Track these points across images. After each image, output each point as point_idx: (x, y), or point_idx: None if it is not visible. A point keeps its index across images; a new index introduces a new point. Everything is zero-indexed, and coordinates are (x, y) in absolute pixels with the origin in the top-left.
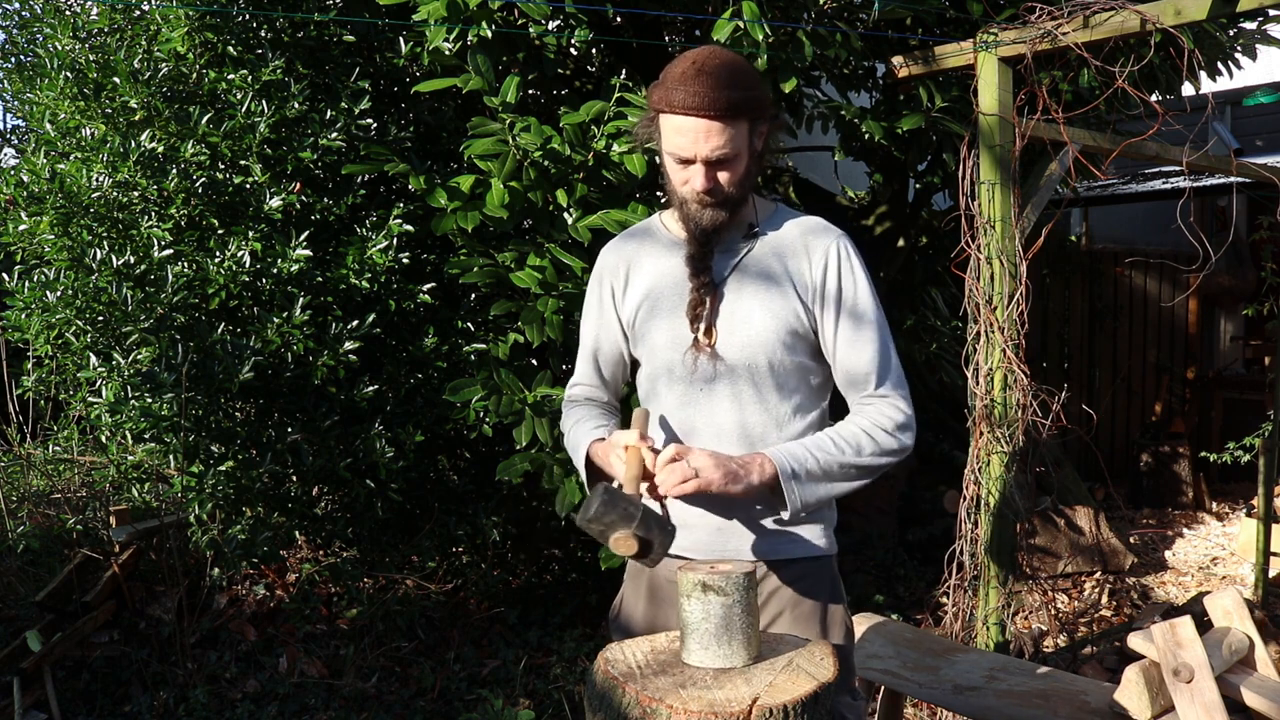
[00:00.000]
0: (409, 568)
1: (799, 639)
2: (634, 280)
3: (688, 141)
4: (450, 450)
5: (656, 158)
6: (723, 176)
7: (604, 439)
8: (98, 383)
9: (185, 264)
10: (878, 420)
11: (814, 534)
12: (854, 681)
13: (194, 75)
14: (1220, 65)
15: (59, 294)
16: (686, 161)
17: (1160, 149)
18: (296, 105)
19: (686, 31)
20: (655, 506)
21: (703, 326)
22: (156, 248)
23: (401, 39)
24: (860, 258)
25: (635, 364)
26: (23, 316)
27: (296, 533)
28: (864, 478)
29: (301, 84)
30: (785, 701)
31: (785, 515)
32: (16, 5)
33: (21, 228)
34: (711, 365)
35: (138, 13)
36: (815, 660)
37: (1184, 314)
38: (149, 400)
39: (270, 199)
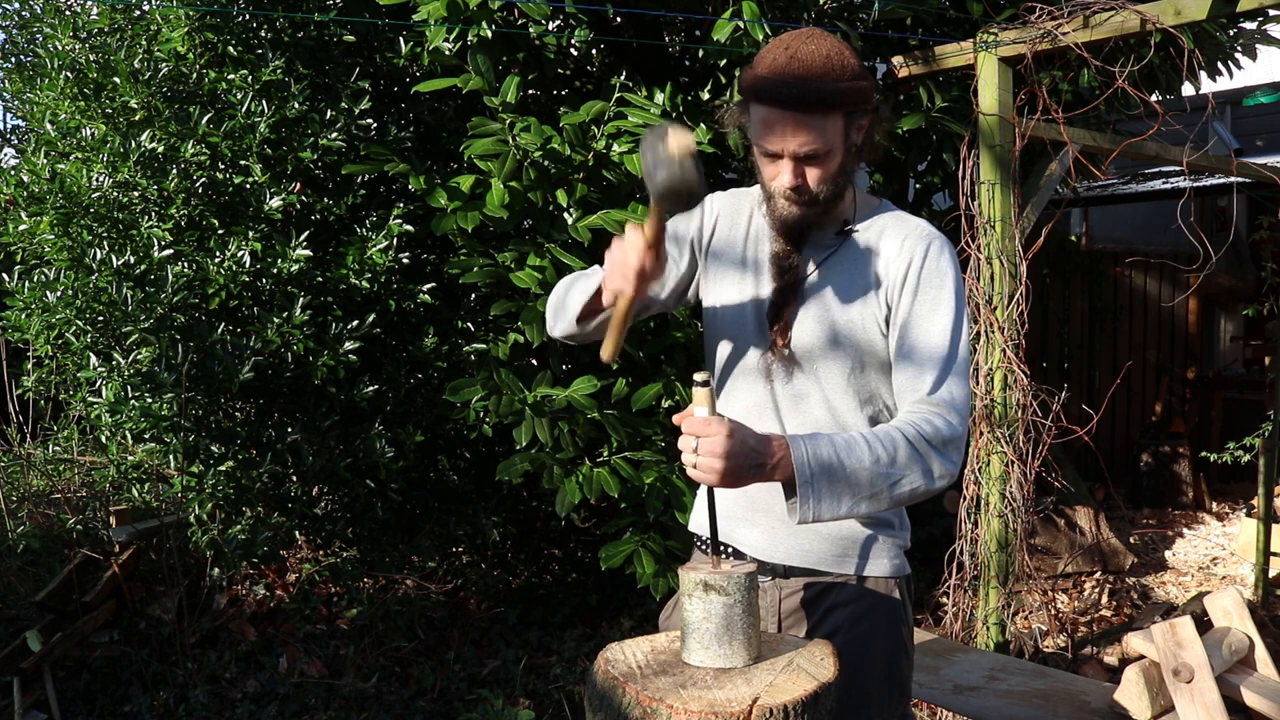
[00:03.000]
0: (409, 568)
1: (800, 639)
2: (716, 246)
3: (775, 135)
4: (450, 450)
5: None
6: (812, 174)
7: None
8: (98, 383)
9: (185, 264)
10: (920, 428)
11: (888, 554)
12: (908, 706)
13: (194, 75)
14: (1220, 65)
15: (59, 294)
16: (774, 155)
17: (1160, 149)
18: (296, 105)
19: (687, 31)
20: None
21: (782, 328)
22: (156, 248)
23: (401, 39)
24: (953, 261)
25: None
26: (23, 316)
27: (296, 533)
28: (893, 494)
29: (301, 84)
30: (786, 701)
31: (793, 521)
32: (16, 5)
33: (21, 228)
34: (785, 367)
35: (138, 13)
36: (816, 660)
37: (1184, 314)
38: (149, 400)
39: (270, 199)
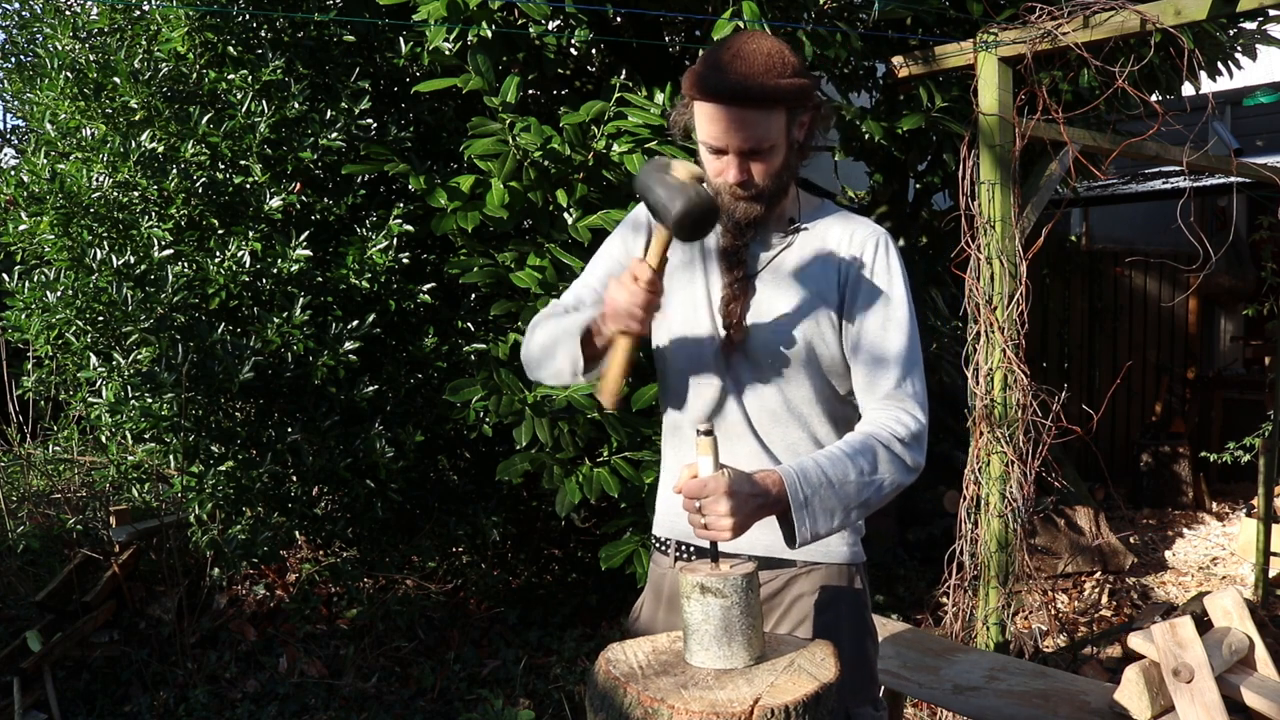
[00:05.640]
0: (409, 568)
1: (801, 640)
2: (674, 249)
3: (720, 130)
4: (450, 450)
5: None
6: (757, 168)
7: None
8: (98, 383)
9: (185, 264)
10: (892, 429)
11: (844, 541)
12: (877, 692)
13: (194, 75)
14: (1220, 65)
15: (59, 294)
16: (719, 151)
17: (1160, 149)
18: (296, 105)
19: (687, 31)
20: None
21: (734, 323)
22: (156, 248)
23: (401, 39)
24: (899, 258)
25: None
26: (23, 316)
27: (296, 533)
28: (879, 497)
29: (301, 84)
30: (787, 702)
31: (793, 546)
32: (16, 5)
33: (21, 228)
34: (741, 363)
35: (138, 13)
36: (816, 661)
37: (1184, 314)
38: (149, 400)
39: (270, 199)
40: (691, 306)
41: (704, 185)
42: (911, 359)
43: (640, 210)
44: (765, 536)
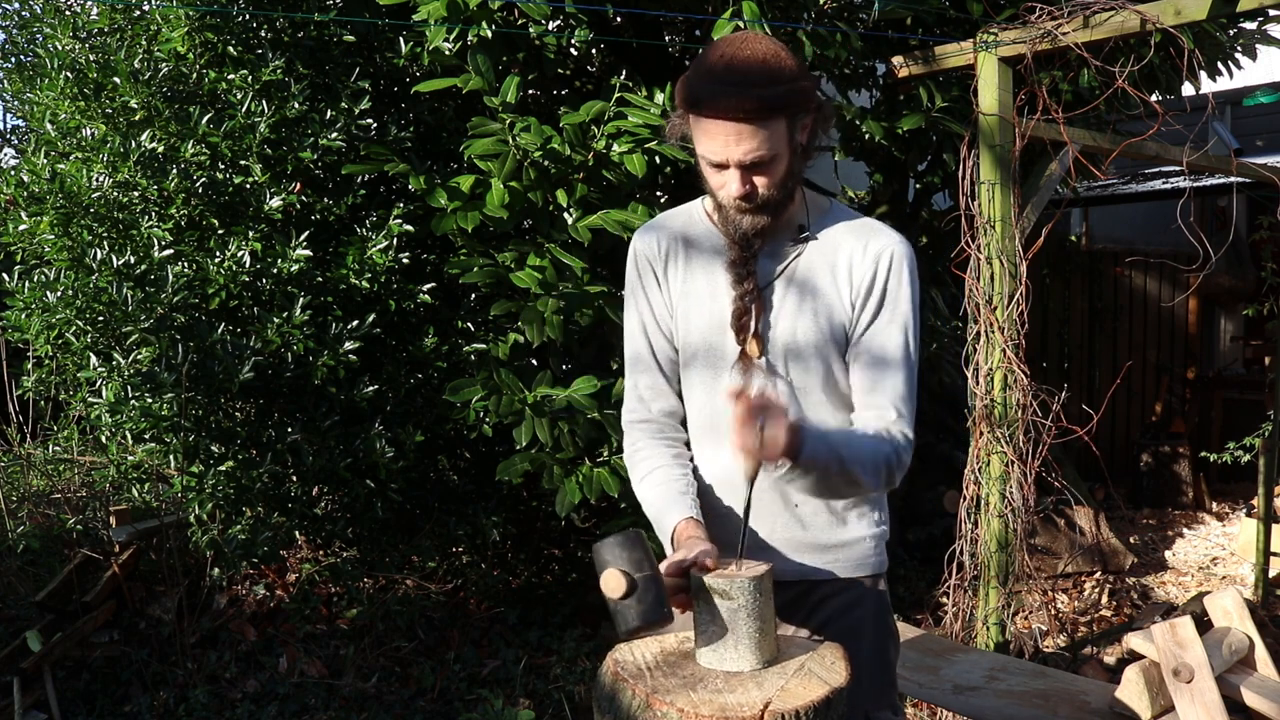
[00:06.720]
0: (409, 568)
1: (811, 642)
2: (674, 269)
3: (719, 145)
4: (450, 450)
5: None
6: (760, 180)
7: (691, 517)
8: (98, 383)
9: (185, 264)
10: (898, 447)
11: (867, 551)
12: (896, 696)
13: (194, 75)
14: (1220, 65)
15: (59, 294)
16: (720, 165)
17: (1160, 149)
18: (296, 105)
19: (687, 31)
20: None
21: (748, 337)
22: (156, 248)
23: (401, 39)
24: (914, 269)
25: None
26: (23, 316)
27: (296, 533)
28: (847, 492)
29: (301, 84)
30: (797, 706)
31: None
32: (16, 5)
33: (21, 228)
34: (759, 378)
35: (138, 13)
36: (827, 665)
37: (1184, 314)
38: (149, 400)
39: (270, 199)
40: (710, 320)
41: (627, 593)
42: (909, 382)
43: (638, 252)
44: (800, 558)
